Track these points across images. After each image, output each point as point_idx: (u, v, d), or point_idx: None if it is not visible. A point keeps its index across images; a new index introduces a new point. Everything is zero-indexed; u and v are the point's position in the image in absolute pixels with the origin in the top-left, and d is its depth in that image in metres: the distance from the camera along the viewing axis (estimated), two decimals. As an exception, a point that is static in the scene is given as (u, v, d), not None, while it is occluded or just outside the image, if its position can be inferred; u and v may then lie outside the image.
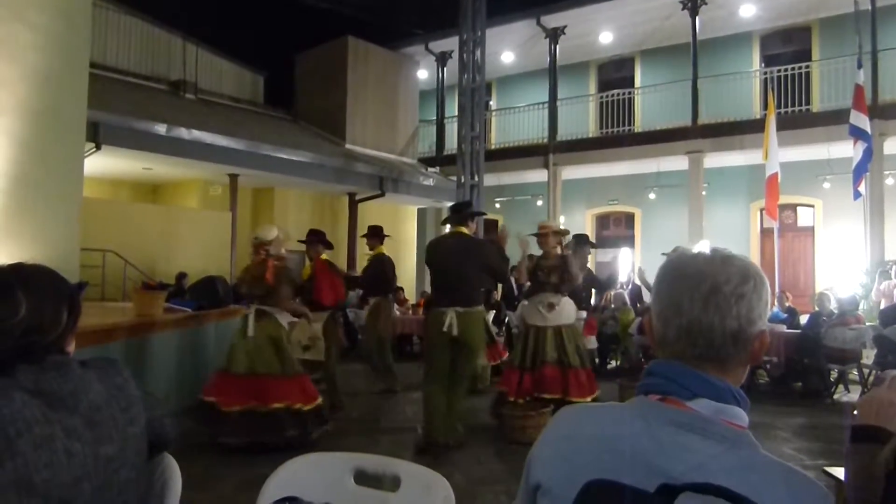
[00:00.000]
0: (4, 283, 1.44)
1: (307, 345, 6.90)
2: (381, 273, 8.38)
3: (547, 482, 1.18)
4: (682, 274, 1.18)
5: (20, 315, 1.39)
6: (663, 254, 8.13)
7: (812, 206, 15.28)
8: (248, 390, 5.56)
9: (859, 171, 11.44)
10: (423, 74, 19.58)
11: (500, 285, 11.77)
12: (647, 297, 11.77)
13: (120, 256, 11.88)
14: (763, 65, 15.90)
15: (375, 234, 8.64)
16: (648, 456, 1.09)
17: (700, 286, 1.14)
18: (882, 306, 10.17)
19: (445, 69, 18.66)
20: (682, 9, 14.96)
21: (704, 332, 1.13)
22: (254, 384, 5.61)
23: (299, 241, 7.42)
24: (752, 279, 1.15)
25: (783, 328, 9.20)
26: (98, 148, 10.56)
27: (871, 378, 8.43)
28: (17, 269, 1.48)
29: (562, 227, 7.02)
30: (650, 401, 1.15)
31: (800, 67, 14.45)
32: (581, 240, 8.39)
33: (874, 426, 1.24)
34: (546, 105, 16.91)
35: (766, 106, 13.23)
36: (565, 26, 16.38)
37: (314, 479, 1.71)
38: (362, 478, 1.72)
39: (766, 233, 15.36)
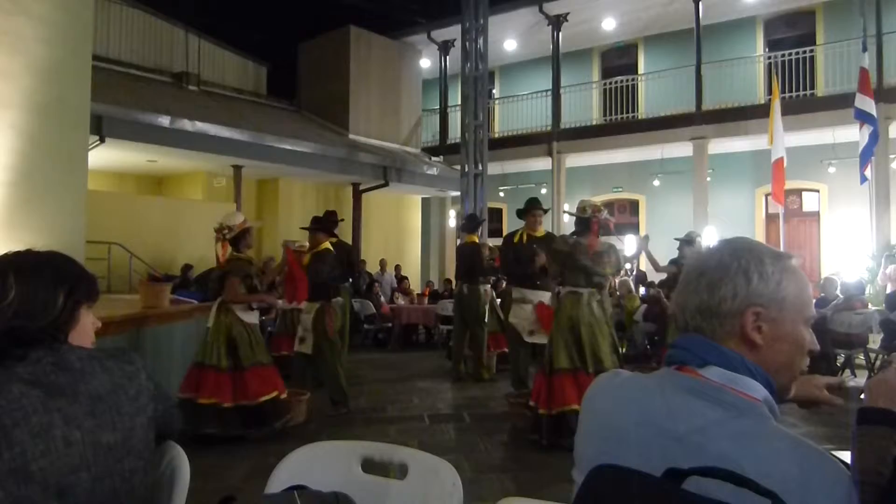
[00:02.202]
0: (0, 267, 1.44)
1: (302, 336, 6.74)
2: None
3: (579, 455, 1.28)
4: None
5: (8, 299, 1.40)
6: (676, 238, 8.13)
7: (817, 190, 15.24)
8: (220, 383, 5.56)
9: (866, 155, 11.39)
10: (425, 63, 19.52)
11: None
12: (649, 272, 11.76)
13: (125, 249, 11.90)
14: (767, 49, 15.81)
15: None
16: (657, 418, 1.15)
17: (684, 275, 1.28)
18: (888, 290, 10.15)
19: (448, 58, 18.60)
20: (686, -6, 14.88)
21: (681, 309, 1.25)
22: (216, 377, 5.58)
23: (301, 227, 7.28)
24: (718, 256, 1.22)
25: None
26: (102, 140, 10.57)
27: (878, 362, 8.43)
28: (17, 255, 1.49)
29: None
30: (670, 371, 1.23)
31: (804, 52, 14.37)
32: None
33: (882, 409, 1.23)
34: (549, 93, 16.86)
35: (770, 91, 13.16)
36: (568, 13, 16.30)
37: (322, 467, 1.72)
38: (370, 466, 1.73)
39: (771, 218, 15.32)
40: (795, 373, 1.25)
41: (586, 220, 5.81)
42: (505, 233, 17.17)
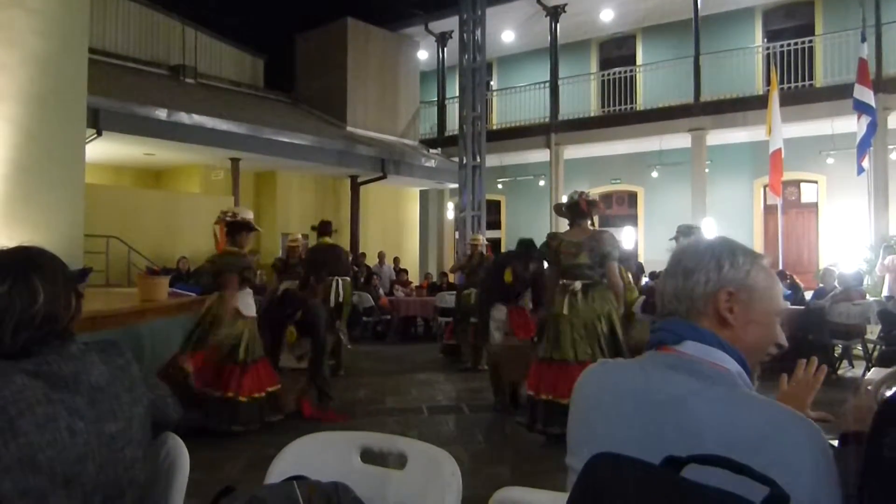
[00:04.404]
0: (20, 269, 1.41)
1: (301, 354, 6.66)
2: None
3: (569, 438, 1.36)
4: None
5: (39, 303, 1.38)
6: (671, 239, 8.08)
7: (815, 181, 15.22)
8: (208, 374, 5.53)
9: (863, 146, 11.37)
10: (423, 55, 19.46)
11: None
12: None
13: (123, 242, 11.90)
14: (765, 40, 15.77)
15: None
16: (637, 391, 1.25)
17: (667, 265, 1.39)
18: (886, 281, 10.17)
19: (446, 49, 18.55)
20: (684, -16, 14.83)
21: (660, 294, 1.37)
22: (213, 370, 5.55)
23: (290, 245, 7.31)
24: (696, 248, 1.36)
25: (787, 304, 9.20)
26: (99, 134, 10.55)
27: (876, 353, 8.45)
28: (28, 254, 1.46)
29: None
30: (651, 352, 1.34)
31: (803, 42, 14.33)
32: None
33: (858, 431, 1.30)
34: (547, 84, 16.81)
35: (768, 82, 13.15)
36: (566, 4, 16.23)
37: (321, 457, 1.72)
38: (369, 456, 1.73)
39: (769, 209, 15.31)
40: (762, 357, 1.36)
41: (575, 204, 5.68)
42: (504, 226, 17.01)
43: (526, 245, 7.06)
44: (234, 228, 5.82)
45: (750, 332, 1.30)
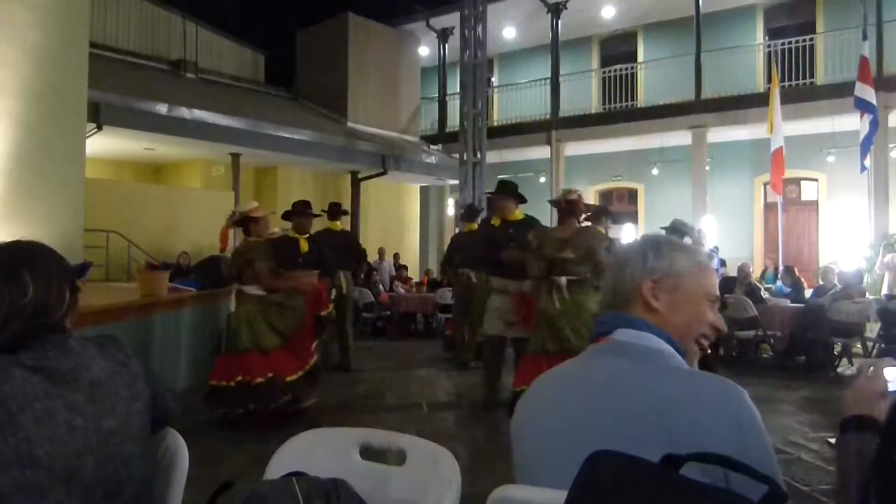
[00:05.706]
0: (10, 262, 1.42)
1: None
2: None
3: (523, 446, 1.45)
4: None
5: (29, 296, 1.39)
6: (661, 227, 8.07)
7: (816, 180, 15.23)
8: (237, 366, 5.55)
9: (867, 144, 11.36)
10: (424, 51, 19.45)
11: None
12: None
13: (123, 237, 11.89)
14: (767, 38, 15.77)
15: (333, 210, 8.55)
16: (575, 378, 1.39)
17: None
18: (886, 279, 10.17)
19: (447, 46, 18.53)
20: (685, -19, 14.81)
21: (603, 292, 1.53)
22: (240, 360, 5.57)
23: (285, 212, 7.38)
24: (629, 246, 1.52)
25: (787, 302, 9.20)
26: (99, 128, 10.54)
27: (875, 351, 8.45)
28: (19, 248, 1.47)
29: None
30: (590, 346, 1.46)
31: (804, 40, 14.33)
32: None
33: (861, 415, 1.27)
34: (548, 81, 16.81)
35: (769, 79, 13.16)
36: (567, 0, 16.23)
37: (320, 454, 1.72)
38: (368, 452, 1.73)
39: (769, 207, 15.31)
40: (695, 337, 1.44)
41: (556, 203, 5.82)
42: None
43: (506, 183, 6.83)
44: (244, 223, 5.87)
45: (678, 315, 1.41)
